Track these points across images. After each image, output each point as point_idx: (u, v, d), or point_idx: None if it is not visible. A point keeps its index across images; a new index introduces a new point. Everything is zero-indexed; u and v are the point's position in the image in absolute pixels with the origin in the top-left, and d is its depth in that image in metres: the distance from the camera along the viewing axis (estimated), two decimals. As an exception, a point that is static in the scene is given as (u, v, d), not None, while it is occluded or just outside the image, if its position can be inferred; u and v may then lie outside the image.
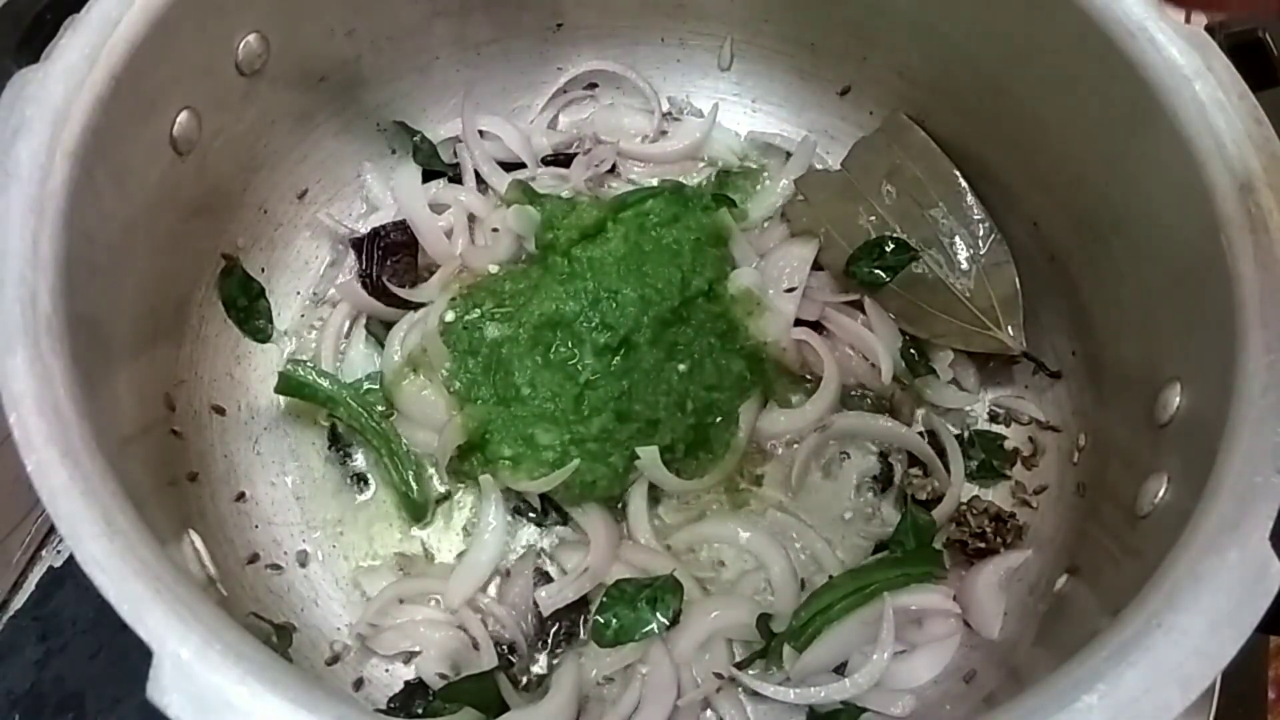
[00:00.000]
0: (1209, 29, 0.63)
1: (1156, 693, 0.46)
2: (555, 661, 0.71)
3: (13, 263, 0.51)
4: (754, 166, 0.88)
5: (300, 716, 0.44)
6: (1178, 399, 0.61)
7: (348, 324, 0.81)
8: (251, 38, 0.68)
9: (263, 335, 0.79)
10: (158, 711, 0.43)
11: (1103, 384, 0.73)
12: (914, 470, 0.77)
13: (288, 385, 0.74)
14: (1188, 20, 0.61)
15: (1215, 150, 0.58)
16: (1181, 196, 0.60)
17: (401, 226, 0.82)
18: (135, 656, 0.44)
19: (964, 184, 0.79)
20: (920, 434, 0.78)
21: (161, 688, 0.43)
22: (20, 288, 0.50)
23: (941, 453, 0.77)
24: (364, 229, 0.82)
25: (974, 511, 0.75)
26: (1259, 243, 0.56)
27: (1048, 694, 0.47)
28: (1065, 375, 0.77)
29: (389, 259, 0.81)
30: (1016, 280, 0.78)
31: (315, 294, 0.82)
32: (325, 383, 0.75)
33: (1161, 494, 0.58)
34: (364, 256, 0.81)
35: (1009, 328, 0.78)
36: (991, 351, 0.78)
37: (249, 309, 0.78)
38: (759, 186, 0.87)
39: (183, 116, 0.64)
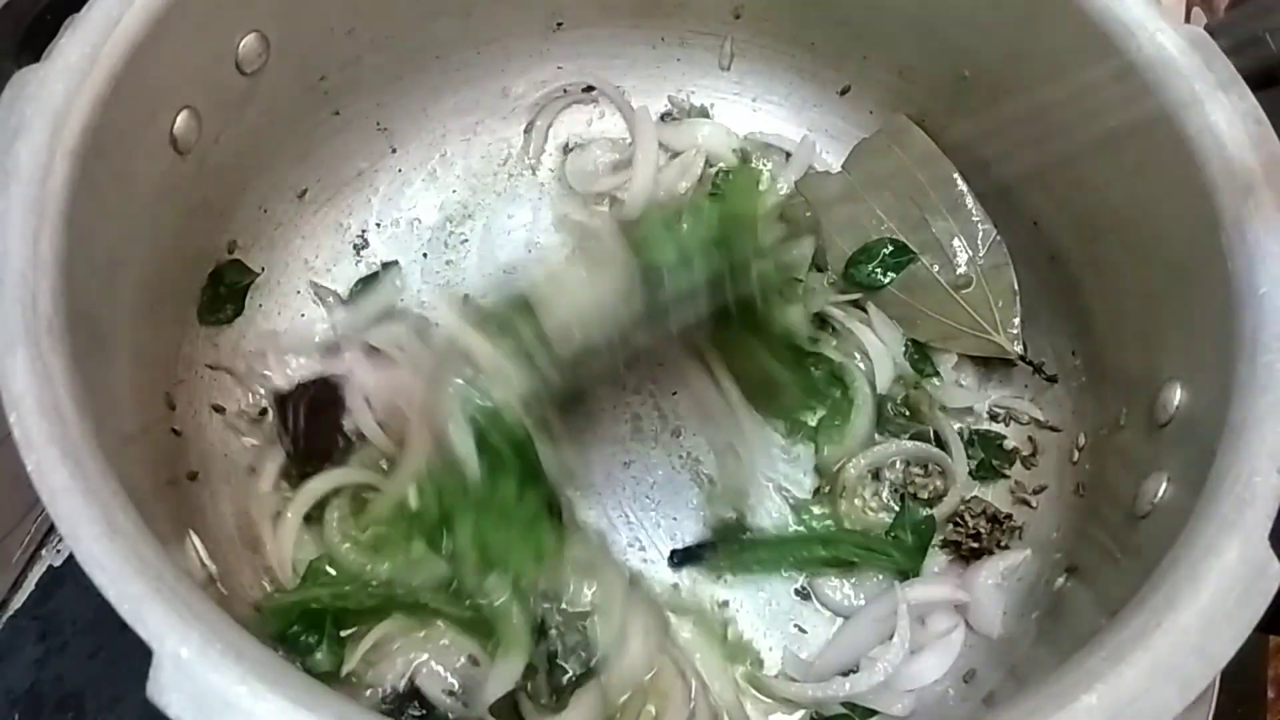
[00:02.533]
0: (1209, 29, 0.63)
1: (1155, 692, 0.46)
2: (569, 678, 0.68)
3: (13, 263, 0.50)
4: (755, 168, 0.88)
5: (300, 716, 0.44)
6: (1178, 399, 0.60)
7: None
8: (251, 38, 0.68)
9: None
10: (158, 711, 0.43)
11: (1103, 384, 0.73)
12: (914, 469, 0.77)
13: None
14: (1188, 20, 0.61)
15: (1215, 150, 0.58)
16: (1181, 196, 0.60)
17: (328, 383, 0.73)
18: (135, 656, 0.44)
19: (964, 186, 0.79)
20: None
21: (161, 687, 0.43)
22: (20, 288, 0.50)
23: (942, 447, 0.77)
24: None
25: (971, 512, 0.75)
26: (1259, 243, 0.56)
27: (1047, 694, 0.47)
28: (1065, 375, 0.77)
29: (314, 420, 0.72)
30: (1015, 284, 0.78)
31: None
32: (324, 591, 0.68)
33: (1161, 494, 0.58)
34: (286, 416, 0.72)
35: (1007, 332, 0.78)
36: (988, 355, 0.79)
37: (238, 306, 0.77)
38: (760, 186, 0.86)
39: (183, 116, 0.64)
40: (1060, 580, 0.68)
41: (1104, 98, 0.65)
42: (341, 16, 0.75)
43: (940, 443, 0.77)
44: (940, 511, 0.75)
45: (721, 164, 0.88)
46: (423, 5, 0.79)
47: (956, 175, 0.80)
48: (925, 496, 0.76)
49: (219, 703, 0.43)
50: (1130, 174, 0.66)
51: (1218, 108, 0.59)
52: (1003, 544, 0.74)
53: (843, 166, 0.85)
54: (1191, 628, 0.47)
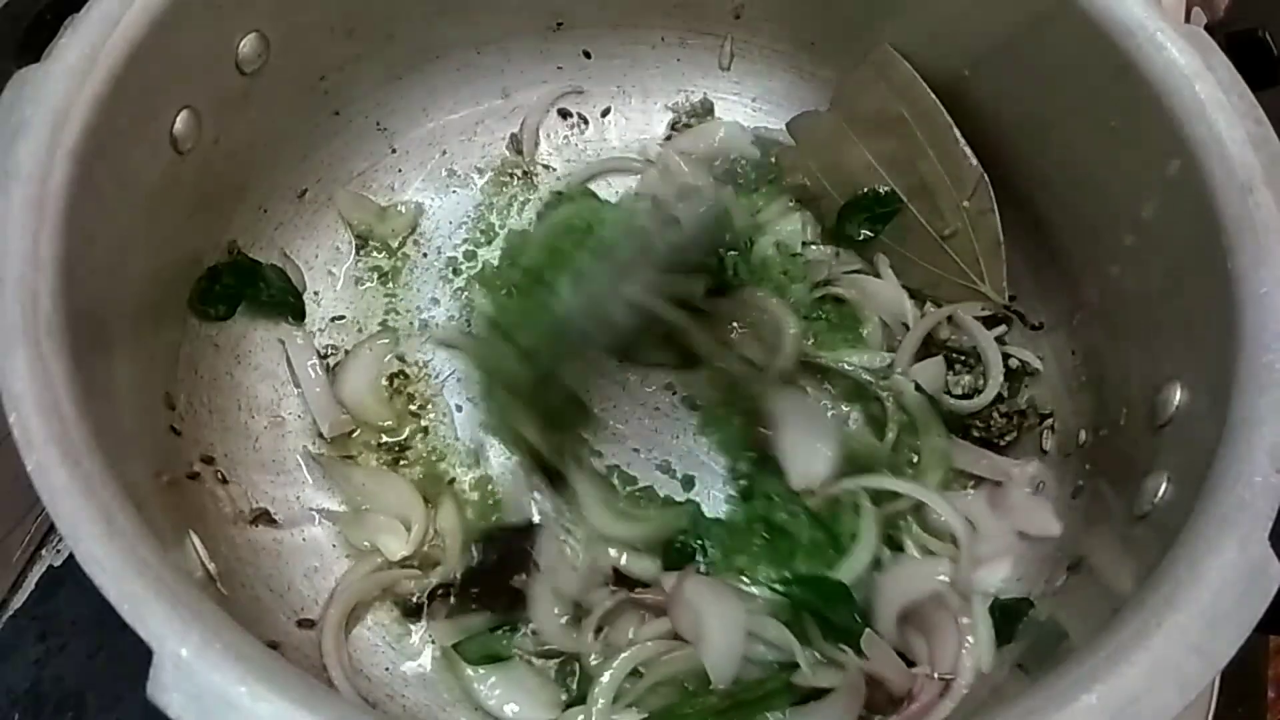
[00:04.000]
0: (1209, 29, 0.63)
1: (1155, 692, 0.46)
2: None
3: (13, 262, 0.50)
4: (766, 164, 0.88)
5: (300, 716, 0.44)
6: (1178, 399, 0.60)
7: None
8: (251, 37, 0.68)
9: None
10: (158, 711, 0.43)
11: (1102, 384, 0.73)
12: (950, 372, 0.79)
13: None
14: (1187, 20, 0.61)
15: (1215, 150, 0.58)
16: (1181, 196, 0.60)
17: None
18: (135, 656, 0.44)
19: (948, 119, 0.76)
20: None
21: (162, 687, 0.43)
22: (20, 288, 0.50)
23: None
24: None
25: (999, 412, 0.77)
26: (1259, 243, 0.56)
27: (1048, 694, 0.47)
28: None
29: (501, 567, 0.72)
30: (999, 229, 0.76)
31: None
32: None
33: (1161, 493, 0.58)
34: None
35: (992, 281, 0.77)
36: (973, 301, 0.79)
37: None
38: (771, 177, 0.87)
39: (183, 116, 0.64)
40: (1061, 580, 0.68)
41: (1104, 97, 0.65)
42: (341, 16, 0.75)
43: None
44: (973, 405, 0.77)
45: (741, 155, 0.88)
46: (422, 6, 0.79)
47: (941, 108, 0.77)
48: (959, 393, 0.78)
49: (219, 703, 0.43)
50: (1130, 174, 0.66)
51: (1218, 108, 0.59)
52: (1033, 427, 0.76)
53: (830, 103, 0.84)
54: (1191, 628, 0.47)
